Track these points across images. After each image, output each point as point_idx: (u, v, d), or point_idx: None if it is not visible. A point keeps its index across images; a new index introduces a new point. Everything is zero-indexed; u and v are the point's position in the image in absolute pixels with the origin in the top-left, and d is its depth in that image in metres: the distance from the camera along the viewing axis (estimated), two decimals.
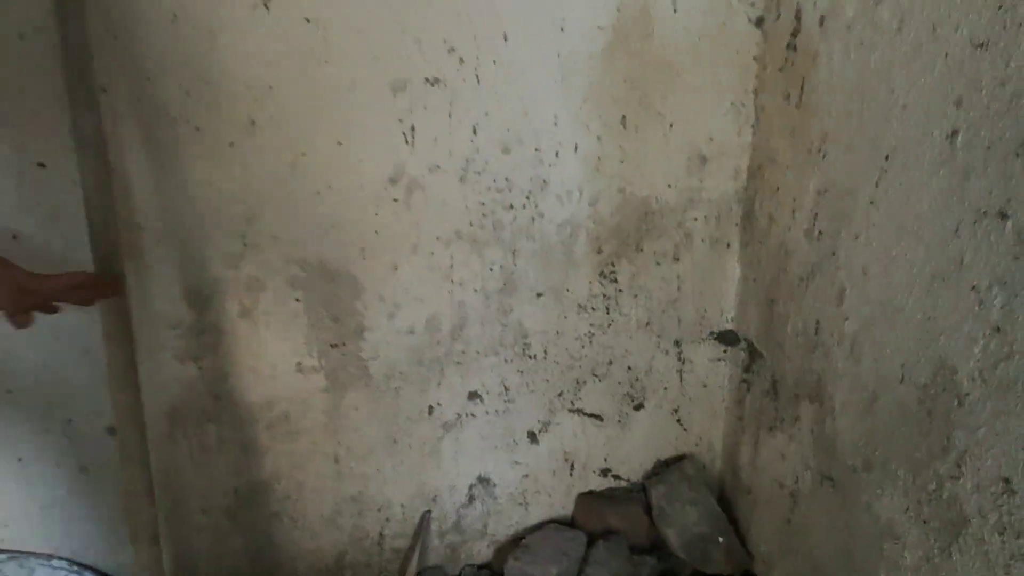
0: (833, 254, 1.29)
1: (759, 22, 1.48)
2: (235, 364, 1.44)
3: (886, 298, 1.15)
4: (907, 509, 1.12)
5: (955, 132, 0.96)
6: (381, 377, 1.55)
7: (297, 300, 1.43)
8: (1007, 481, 0.91)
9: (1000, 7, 0.87)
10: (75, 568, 1.44)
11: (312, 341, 1.47)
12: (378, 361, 1.53)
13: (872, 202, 1.16)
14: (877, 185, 1.14)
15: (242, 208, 1.33)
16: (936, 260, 1.02)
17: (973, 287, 0.95)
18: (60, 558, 1.44)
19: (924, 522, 1.08)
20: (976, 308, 0.94)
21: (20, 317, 1.05)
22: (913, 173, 1.05)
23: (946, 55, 0.97)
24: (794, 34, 1.37)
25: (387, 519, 1.70)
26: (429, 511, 1.74)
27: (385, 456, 1.63)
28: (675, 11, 1.43)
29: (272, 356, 1.46)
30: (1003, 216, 0.89)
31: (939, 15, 0.98)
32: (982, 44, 0.90)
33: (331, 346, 1.49)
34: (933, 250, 1.02)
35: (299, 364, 1.48)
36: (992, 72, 0.89)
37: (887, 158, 1.11)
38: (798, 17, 1.35)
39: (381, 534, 1.71)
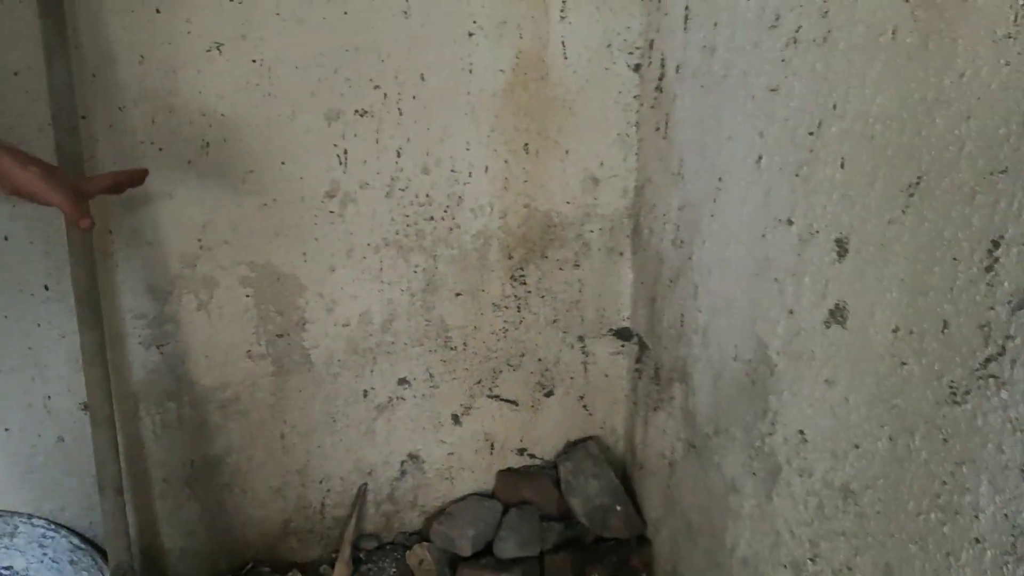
0: (690, 259, 1.54)
1: (636, 68, 1.74)
2: (193, 351, 1.63)
3: (724, 292, 1.39)
4: (743, 465, 1.33)
5: (760, 157, 1.21)
6: (321, 364, 1.75)
7: (247, 296, 1.63)
8: (802, 432, 1.13)
9: (783, 60, 1.12)
10: (52, 526, 1.61)
11: (260, 332, 1.67)
12: (319, 350, 1.74)
13: (712, 215, 1.41)
14: (715, 201, 1.39)
15: (198, 216, 1.54)
16: (753, 259, 1.26)
17: (776, 279, 1.18)
18: (39, 517, 1.61)
19: (754, 474, 1.29)
20: (778, 295, 1.18)
21: (85, 220, 1.10)
22: (736, 191, 1.31)
23: (753, 97, 1.22)
24: (660, 78, 1.63)
25: (328, 490, 1.90)
26: (366, 484, 1.93)
27: (326, 434, 1.83)
28: (566, 57, 1.68)
29: (225, 344, 1.65)
30: (790, 223, 1.13)
31: (748, 65, 1.23)
32: (774, 88, 1.16)
33: (277, 336, 1.69)
34: (751, 251, 1.26)
35: (249, 351, 1.68)
36: (780, 110, 1.14)
37: (720, 179, 1.36)
38: (663, 65, 1.61)
39: (323, 504, 1.90)
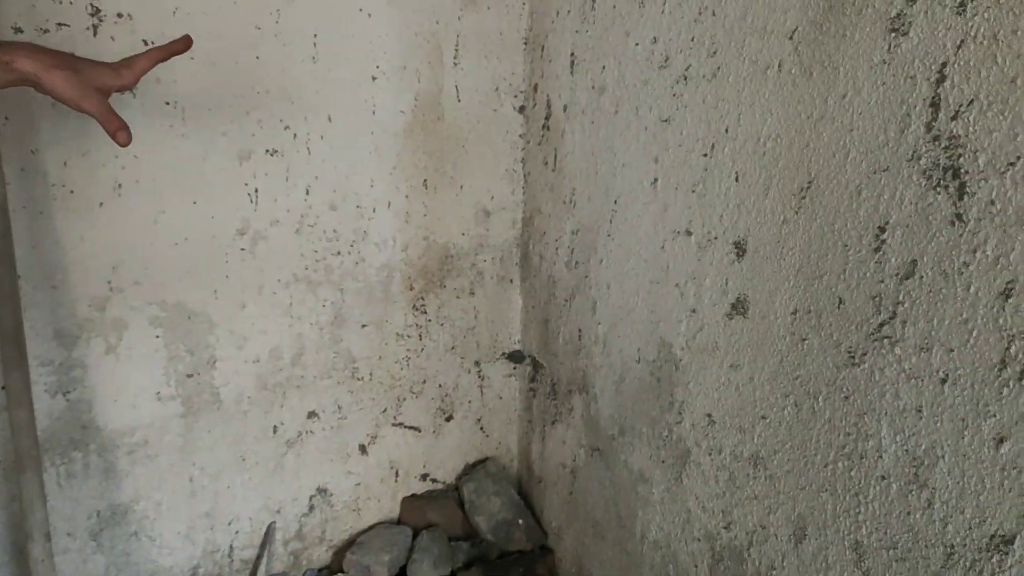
0: (586, 277, 1.65)
1: (521, 110, 1.86)
2: (100, 396, 1.55)
3: (623, 303, 1.51)
4: (651, 456, 1.44)
5: (656, 179, 1.35)
6: (231, 402, 1.71)
7: (157, 336, 1.58)
8: (710, 415, 1.24)
9: (674, 95, 1.27)
10: None
11: (170, 372, 1.61)
12: (229, 387, 1.70)
13: (609, 235, 1.53)
14: (611, 222, 1.52)
15: (109, 258, 1.48)
16: (652, 269, 1.38)
17: (676, 285, 1.31)
18: None
19: (662, 462, 1.40)
20: (679, 299, 1.31)
21: (122, 134, 0.98)
22: (633, 211, 1.43)
23: (646, 128, 1.36)
24: (547, 117, 1.76)
25: (236, 532, 1.83)
26: (274, 522, 1.88)
27: (235, 473, 1.77)
28: (459, 100, 1.78)
29: (133, 387, 1.58)
30: (688, 233, 1.27)
31: (639, 101, 1.38)
32: (666, 120, 1.30)
33: (187, 376, 1.64)
34: (650, 263, 1.39)
35: (158, 393, 1.61)
36: (673, 138, 1.28)
37: (616, 202, 1.49)
38: (549, 106, 1.74)
39: (231, 546, 1.83)
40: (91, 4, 1.37)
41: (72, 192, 1.42)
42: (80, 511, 1.61)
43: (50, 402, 1.50)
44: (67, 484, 1.57)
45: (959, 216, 0.77)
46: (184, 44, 1.07)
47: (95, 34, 1.38)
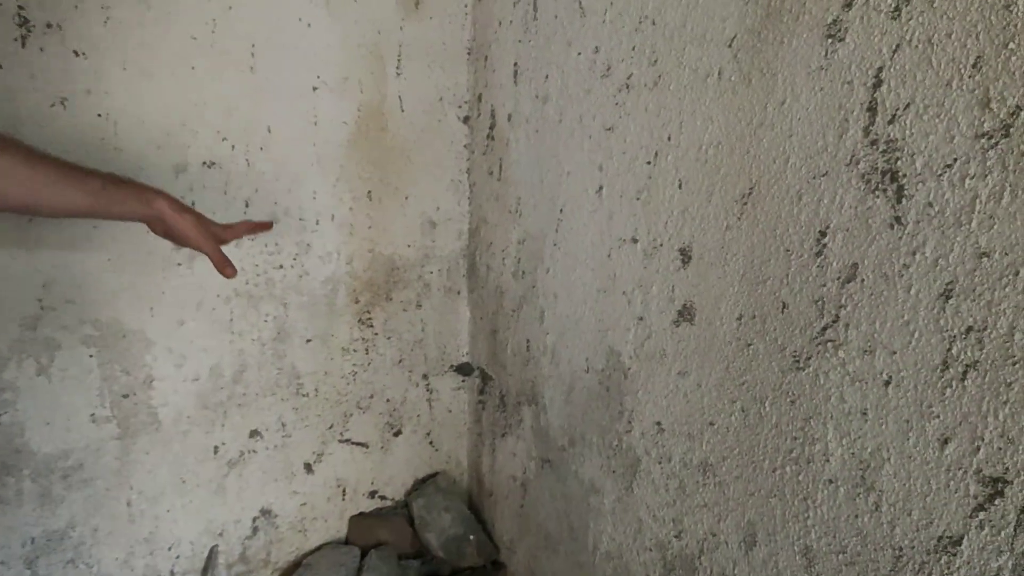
0: (533, 287, 1.64)
1: (466, 120, 1.84)
2: (32, 419, 1.47)
3: (571, 312, 1.49)
4: (601, 466, 1.42)
5: (601, 187, 1.34)
6: (170, 422, 1.65)
7: (91, 356, 1.51)
8: (659, 423, 1.23)
9: (617, 104, 1.26)
10: None
11: (105, 393, 1.55)
12: (167, 408, 1.63)
13: (555, 244, 1.52)
14: (557, 231, 1.51)
15: (39, 276, 1.41)
16: (599, 278, 1.37)
17: (623, 292, 1.30)
18: None
19: (613, 472, 1.39)
20: (627, 306, 1.30)
21: (229, 270, 1.22)
22: (578, 219, 1.42)
23: (590, 136, 1.35)
24: (492, 127, 1.74)
25: (177, 556, 1.76)
26: (216, 545, 1.82)
27: (175, 496, 1.71)
28: (403, 110, 1.75)
29: (67, 409, 1.51)
30: (634, 240, 1.26)
31: (583, 110, 1.37)
32: (610, 128, 1.29)
33: (123, 396, 1.57)
34: (597, 271, 1.38)
35: (93, 415, 1.54)
36: (617, 146, 1.28)
37: (561, 211, 1.48)
38: (493, 115, 1.72)
39: (172, 572, 1.76)
40: (19, 14, 1.31)
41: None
42: (14, 538, 1.52)
43: None
44: None
45: (898, 219, 0.78)
46: (269, 227, 1.39)
47: (23, 45, 1.32)
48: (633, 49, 1.19)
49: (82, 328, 1.49)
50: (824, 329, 0.88)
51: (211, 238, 1.19)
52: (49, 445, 1.51)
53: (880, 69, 0.78)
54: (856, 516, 0.86)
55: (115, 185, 1.10)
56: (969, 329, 0.72)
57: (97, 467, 1.58)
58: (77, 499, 1.58)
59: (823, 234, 0.87)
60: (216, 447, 1.73)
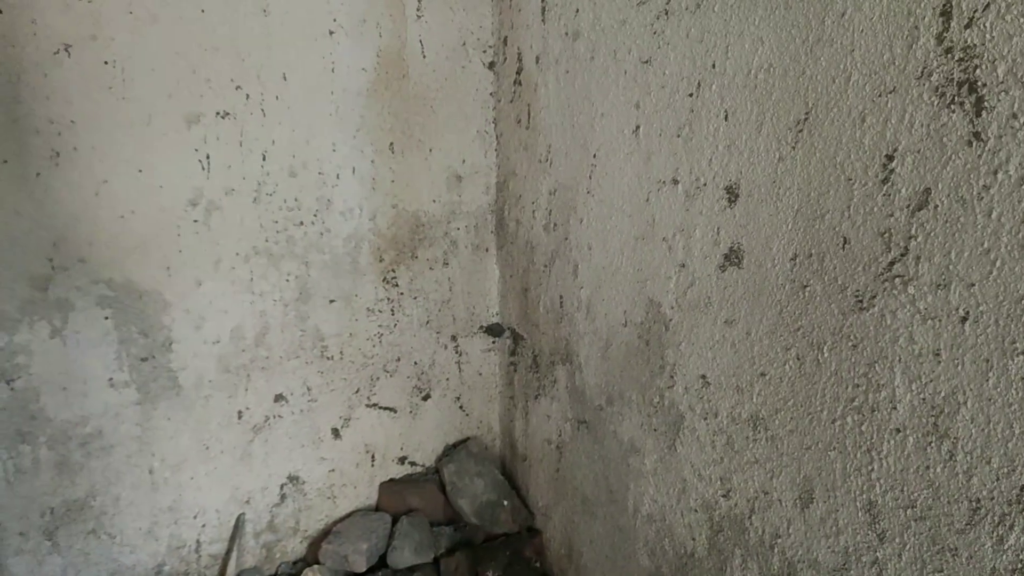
0: (566, 239, 1.58)
1: (491, 66, 1.78)
2: (48, 383, 1.46)
3: (607, 263, 1.44)
4: (641, 425, 1.38)
5: (637, 127, 1.28)
6: (191, 386, 1.63)
7: (106, 318, 1.49)
8: (704, 377, 1.19)
9: (655, 32, 1.20)
10: None
11: (122, 356, 1.53)
12: (187, 371, 1.61)
13: (588, 192, 1.47)
14: (590, 178, 1.45)
15: (49, 233, 1.39)
16: (637, 225, 1.32)
17: (663, 239, 1.25)
18: None
19: (654, 430, 1.34)
20: (667, 253, 1.24)
21: None
22: (614, 163, 1.37)
23: (625, 72, 1.29)
24: (519, 72, 1.68)
25: (203, 525, 1.75)
26: (243, 514, 1.81)
27: (198, 463, 1.70)
28: (424, 57, 1.70)
29: (83, 373, 1.50)
30: (675, 182, 1.20)
31: (617, 44, 1.30)
32: (647, 61, 1.23)
33: (141, 360, 1.55)
34: (634, 218, 1.33)
35: (110, 380, 1.53)
36: (655, 80, 1.21)
37: (595, 156, 1.42)
38: (520, 59, 1.66)
39: (198, 541, 1.76)
40: None
41: (4, 162, 1.33)
42: (32, 509, 1.52)
43: None
44: (16, 480, 1.48)
45: (977, 135, 0.71)
46: None
47: None
48: None
49: (96, 288, 1.47)
50: (891, 264, 0.82)
51: None
52: (66, 411, 1.50)
53: None
54: (927, 467, 0.80)
55: None
56: None
57: (117, 434, 1.57)
58: (97, 467, 1.57)
59: (890, 158, 0.80)
60: (240, 412, 1.72)
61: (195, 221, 1.53)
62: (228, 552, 1.78)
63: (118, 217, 1.45)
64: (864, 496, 0.89)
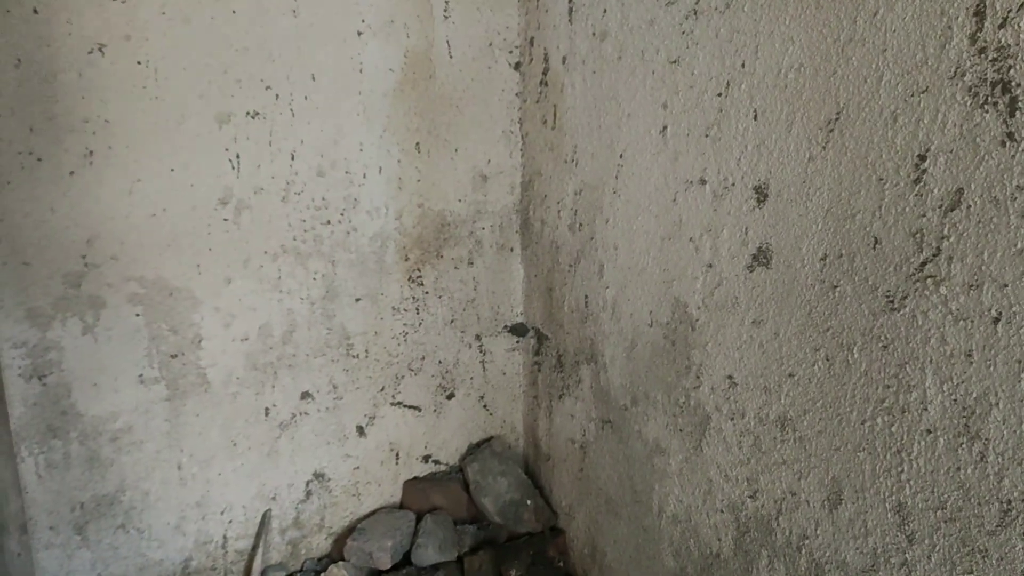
0: (591, 239, 1.59)
1: (517, 66, 1.79)
2: (79, 379, 1.49)
3: (633, 263, 1.45)
4: (667, 425, 1.38)
5: (665, 127, 1.28)
6: (219, 383, 1.65)
7: (137, 315, 1.52)
8: (731, 377, 1.19)
9: (683, 32, 1.20)
10: None
11: (152, 353, 1.55)
12: (216, 368, 1.64)
13: (615, 191, 1.47)
14: (616, 178, 1.46)
15: (82, 231, 1.42)
16: (663, 225, 1.32)
17: (690, 239, 1.25)
18: None
19: (680, 431, 1.34)
20: (694, 253, 1.24)
21: None
22: (640, 163, 1.37)
23: (653, 72, 1.29)
24: (545, 72, 1.69)
25: (230, 521, 1.78)
26: (270, 510, 1.83)
27: (226, 459, 1.72)
28: (451, 57, 1.71)
29: (114, 370, 1.52)
30: (703, 182, 1.20)
31: (645, 44, 1.31)
32: (675, 61, 1.23)
33: (171, 357, 1.58)
34: (660, 218, 1.33)
35: (140, 376, 1.55)
36: (684, 80, 1.21)
37: (621, 156, 1.43)
38: (546, 59, 1.67)
39: (225, 537, 1.78)
40: None
41: (40, 160, 1.36)
42: (62, 503, 1.55)
43: (24, 387, 1.45)
44: (47, 475, 1.51)
45: (1011, 135, 0.71)
46: None
47: None
48: None
49: (127, 286, 1.49)
50: (923, 264, 0.82)
51: None
52: (97, 407, 1.53)
53: None
54: (958, 468, 0.80)
55: None
56: None
57: (147, 429, 1.60)
58: (127, 462, 1.60)
59: (922, 158, 0.80)
60: (267, 409, 1.74)
61: (225, 220, 1.55)
62: (254, 548, 1.80)
63: (150, 215, 1.48)
64: (894, 497, 0.89)
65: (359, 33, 1.59)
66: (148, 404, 1.59)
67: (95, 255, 1.45)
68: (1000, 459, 0.75)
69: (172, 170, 1.47)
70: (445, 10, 1.67)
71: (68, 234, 1.41)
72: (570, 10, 1.54)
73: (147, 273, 1.51)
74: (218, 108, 1.49)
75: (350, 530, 1.95)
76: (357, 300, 1.77)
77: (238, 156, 1.53)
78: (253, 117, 1.52)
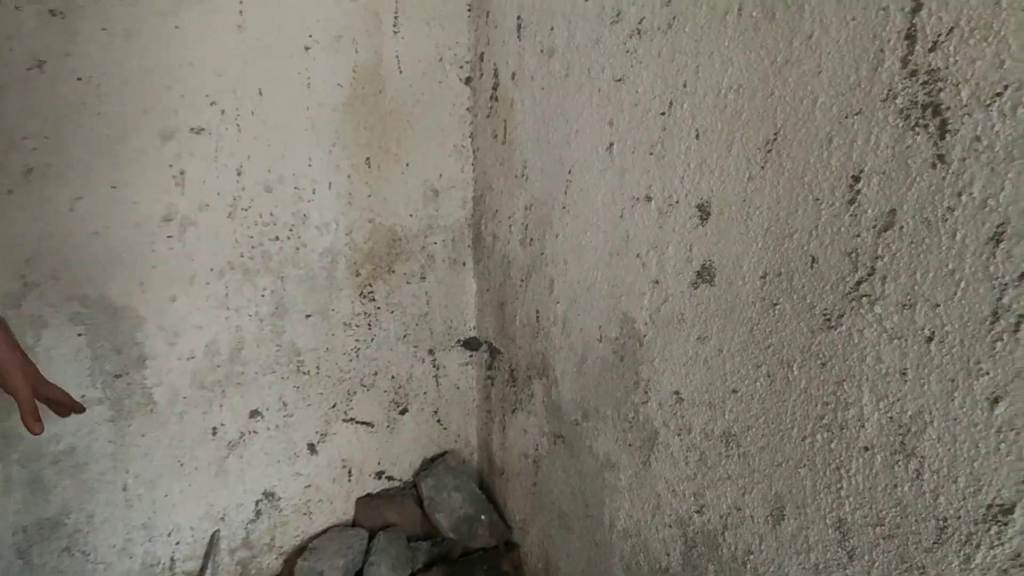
0: (542, 254, 1.58)
1: (468, 81, 1.78)
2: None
3: (582, 278, 1.44)
4: (617, 440, 1.38)
5: (611, 144, 1.28)
6: (165, 403, 1.61)
7: (80, 335, 1.47)
8: (677, 393, 1.18)
9: (627, 51, 1.20)
10: None
11: (96, 373, 1.51)
12: (161, 387, 1.59)
13: (564, 207, 1.46)
14: (566, 193, 1.45)
15: (21, 250, 1.37)
16: (611, 241, 1.32)
17: (637, 255, 1.24)
18: None
19: (629, 445, 1.34)
20: (641, 269, 1.24)
21: (37, 426, 1.12)
22: (588, 179, 1.37)
23: (599, 90, 1.29)
24: (495, 87, 1.68)
25: (177, 543, 1.73)
26: (218, 530, 1.79)
27: (172, 480, 1.67)
28: (401, 72, 1.69)
29: None
30: (648, 199, 1.20)
31: (591, 62, 1.30)
32: (620, 79, 1.22)
33: (115, 376, 1.53)
34: (608, 234, 1.32)
35: (83, 396, 1.50)
36: (629, 98, 1.21)
37: (570, 172, 1.42)
38: (496, 75, 1.66)
39: (172, 559, 1.73)
40: None
41: None
42: (4, 527, 1.49)
43: None
44: None
45: (941, 157, 0.72)
46: (81, 410, 1.27)
47: None
48: None
49: (69, 305, 1.44)
50: (858, 283, 0.82)
51: (30, 385, 1.12)
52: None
53: None
54: (895, 485, 0.81)
55: None
56: (1023, 276, 0.66)
57: (90, 451, 1.55)
58: (70, 485, 1.54)
59: (856, 179, 0.81)
60: (215, 428, 1.70)
61: (169, 237, 1.51)
62: (203, 569, 1.75)
63: (92, 233, 1.43)
64: (834, 513, 0.89)
65: (307, 48, 1.56)
66: (91, 425, 1.54)
67: (35, 274, 1.40)
68: (936, 477, 0.76)
69: (114, 187, 1.43)
70: (394, 25, 1.66)
71: (7, 253, 1.36)
72: (518, 26, 1.53)
73: (90, 292, 1.46)
74: (162, 124, 1.45)
75: (301, 549, 1.91)
76: (307, 316, 1.74)
77: (182, 172, 1.49)
78: (198, 133, 1.49)
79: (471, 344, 2.04)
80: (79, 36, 1.34)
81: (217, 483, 1.74)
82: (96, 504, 1.59)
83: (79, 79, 1.36)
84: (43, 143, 1.35)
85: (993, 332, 0.68)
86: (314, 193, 1.66)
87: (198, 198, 1.52)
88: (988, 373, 0.69)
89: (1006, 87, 0.65)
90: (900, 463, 0.80)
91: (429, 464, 2.10)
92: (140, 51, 1.39)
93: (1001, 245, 0.67)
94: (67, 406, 1.24)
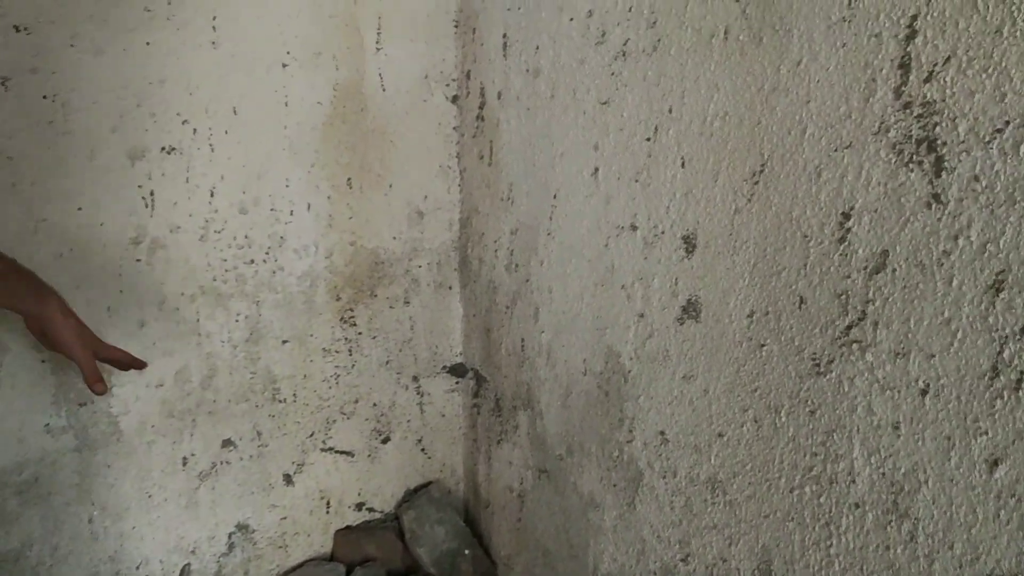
0: (527, 281, 1.54)
1: (454, 99, 1.74)
2: None
3: (567, 308, 1.39)
4: (601, 479, 1.33)
5: (596, 169, 1.24)
6: (133, 432, 1.56)
7: (43, 361, 1.42)
8: (663, 433, 1.14)
9: (612, 73, 1.16)
10: None
11: (60, 401, 1.46)
12: (129, 416, 1.54)
13: (549, 233, 1.42)
14: (551, 219, 1.41)
15: None
16: (596, 270, 1.28)
17: (622, 286, 1.20)
18: None
19: (614, 485, 1.29)
20: (626, 302, 1.20)
21: (100, 386, 1.19)
22: (573, 205, 1.32)
23: (585, 112, 1.25)
24: (481, 107, 1.64)
25: None
26: (189, 564, 1.73)
27: (140, 512, 1.62)
28: (384, 90, 1.65)
29: (19, 418, 1.42)
30: (634, 228, 1.16)
31: (576, 83, 1.27)
32: (606, 102, 1.19)
33: (80, 405, 1.48)
34: (593, 263, 1.28)
35: (47, 425, 1.45)
36: (614, 122, 1.17)
37: (555, 196, 1.38)
38: (483, 93, 1.62)
39: None
40: None
41: None
42: None
43: None
44: None
45: (936, 196, 0.67)
46: (142, 367, 1.36)
47: None
48: (630, 10, 1.09)
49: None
50: (848, 328, 0.78)
51: (88, 348, 1.17)
52: (0, 458, 1.42)
53: (914, 18, 0.68)
54: (887, 547, 0.76)
55: (16, 275, 1.12)
56: None
57: (54, 481, 1.49)
58: (33, 516, 1.49)
59: (847, 216, 0.76)
60: (185, 458, 1.64)
61: (138, 260, 1.47)
62: None
63: (56, 256, 1.39)
64: (822, 573, 0.84)
65: (284, 65, 1.52)
66: (56, 455, 1.48)
67: None
68: (930, 541, 0.71)
69: (80, 208, 1.38)
70: (377, 42, 1.62)
71: None
72: (504, 44, 1.50)
73: None
74: (131, 143, 1.40)
75: None
76: (284, 342, 1.69)
77: (152, 193, 1.45)
78: (169, 152, 1.45)
79: (457, 370, 1.99)
80: (46, 52, 1.30)
81: (187, 515, 1.68)
82: (61, 536, 1.53)
83: (45, 97, 1.31)
84: (6, 163, 1.30)
85: (993, 389, 0.64)
86: (292, 215, 1.62)
87: (168, 220, 1.48)
88: (987, 433, 0.64)
89: (1007, 123, 0.61)
90: (893, 523, 0.75)
91: (413, 495, 2.04)
92: (109, 68, 1.35)
93: (1001, 295, 0.62)
94: (127, 364, 1.31)
